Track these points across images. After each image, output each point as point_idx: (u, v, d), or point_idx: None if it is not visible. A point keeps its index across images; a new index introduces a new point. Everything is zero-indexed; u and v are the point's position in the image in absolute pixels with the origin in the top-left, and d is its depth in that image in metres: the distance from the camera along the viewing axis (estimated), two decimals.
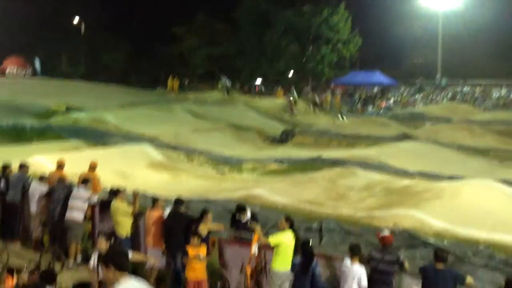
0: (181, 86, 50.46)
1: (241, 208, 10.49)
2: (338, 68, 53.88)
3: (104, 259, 5.27)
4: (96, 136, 25.24)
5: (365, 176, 17.38)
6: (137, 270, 9.82)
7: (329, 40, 52.38)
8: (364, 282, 7.79)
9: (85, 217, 11.50)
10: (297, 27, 52.09)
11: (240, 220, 10.28)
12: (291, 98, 38.59)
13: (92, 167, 13.80)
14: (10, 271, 7.41)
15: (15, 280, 7.13)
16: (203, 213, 9.93)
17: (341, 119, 36.60)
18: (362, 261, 8.04)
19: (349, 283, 7.85)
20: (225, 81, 43.75)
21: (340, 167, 18.46)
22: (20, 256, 11.19)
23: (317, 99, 41.42)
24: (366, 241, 10.85)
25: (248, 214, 10.41)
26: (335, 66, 53.65)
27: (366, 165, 19.04)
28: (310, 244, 8.87)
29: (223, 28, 57.03)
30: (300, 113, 38.23)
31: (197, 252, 8.92)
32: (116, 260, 5.06)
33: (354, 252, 7.99)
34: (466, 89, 46.96)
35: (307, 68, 53.33)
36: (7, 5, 55.75)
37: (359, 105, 45.88)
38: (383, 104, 46.00)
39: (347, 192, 15.78)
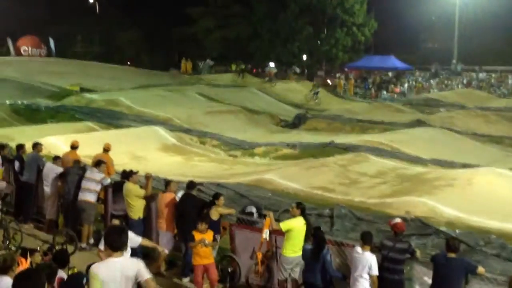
0: (195, 68, 50.40)
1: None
2: (353, 52, 53.34)
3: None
4: (110, 118, 25.37)
5: (377, 163, 17.33)
6: (148, 253, 9.94)
7: (344, 23, 51.79)
8: (375, 270, 7.78)
9: (98, 199, 11.58)
10: (312, 9, 51.54)
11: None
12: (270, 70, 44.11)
13: (106, 149, 13.83)
14: (24, 252, 7.50)
15: (28, 261, 7.21)
16: (215, 197, 9.96)
17: (313, 97, 37.48)
18: (373, 249, 8.03)
19: (359, 271, 7.84)
20: (208, 62, 47.89)
21: (353, 153, 18.41)
22: (33, 237, 11.33)
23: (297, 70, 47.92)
24: (377, 228, 10.84)
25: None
26: (350, 50, 53.09)
27: (378, 151, 18.95)
28: (321, 231, 8.87)
29: (238, 10, 56.56)
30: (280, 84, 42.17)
31: (202, 237, 8.93)
32: (107, 238, 5.15)
33: (366, 239, 7.96)
34: (482, 75, 46.39)
35: (321, 51, 52.86)
36: None
37: (373, 90, 45.57)
38: (397, 89, 45.66)
39: (359, 178, 15.74)
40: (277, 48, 53.00)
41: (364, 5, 51.65)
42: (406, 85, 47.03)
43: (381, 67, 49.99)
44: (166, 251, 9.54)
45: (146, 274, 5.19)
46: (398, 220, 8.48)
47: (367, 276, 7.79)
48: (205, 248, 8.92)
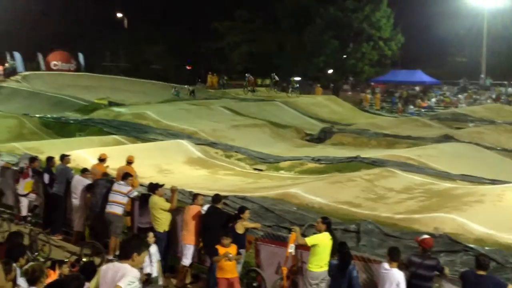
0: (220, 83, 50.72)
1: None
2: (379, 66, 53.09)
3: None
4: (137, 131, 25.63)
5: (404, 178, 17.09)
6: (173, 266, 9.97)
7: (371, 37, 51.62)
8: (403, 287, 7.65)
9: (125, 211, 11.68)
10: (338, 23, 51.50)
11: None
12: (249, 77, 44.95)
13: (129, 162, 13.88)
14: (53, 264, 7.60)
15: (57, 273, 7.30)
16: (241, 210, 9.95)
17: (293, 90, 39.84)
18: (401, 266, 7.90)
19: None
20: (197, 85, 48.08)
21: (379, 168, 18.18)
22: (62, 249, 11.47)
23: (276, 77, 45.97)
24: (405, 244, 10.67)
25: None
26: (376, 64, 52.86)
27: (406, 166, 18.70)
28: (347, 246, 8.77)
29: (264, 24, 56.89)
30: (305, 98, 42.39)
31: (226, 251, 8.93)
32: None
33: (393, 255, 7.84)
34: (511, 89, 45.65)
35: (347, 66, 52.74)
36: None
37: (399, 105, 45.21)
38: (425, 103, 45.22)
39: (386, 193, 15.54)
40: (303, 62, 53.04)
41: (391, 19, 51.46)
42: (433, 99, 46.55)
43: (408, 82, 49.63)
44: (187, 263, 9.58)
45: (120, 283, 5.35)
46: (426, 236, 8.35)
47: None
48: (229, 262, 8.91)
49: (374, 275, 8.30)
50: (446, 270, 7.90)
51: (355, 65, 52.06)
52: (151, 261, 8.63)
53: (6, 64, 45.31)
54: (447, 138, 26.85)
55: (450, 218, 12.65)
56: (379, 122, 33.69)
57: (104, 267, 5.70)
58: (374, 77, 52.48)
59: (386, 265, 7.81)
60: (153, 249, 8.88)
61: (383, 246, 10.69)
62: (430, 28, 50.86)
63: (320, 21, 51.16)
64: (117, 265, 5.48)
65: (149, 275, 8.53)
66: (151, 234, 9.02)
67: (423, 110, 43.43)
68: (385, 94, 49.06)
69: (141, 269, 8.24)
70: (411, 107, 44.27)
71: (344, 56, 53.04)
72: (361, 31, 51.72)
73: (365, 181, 16.43)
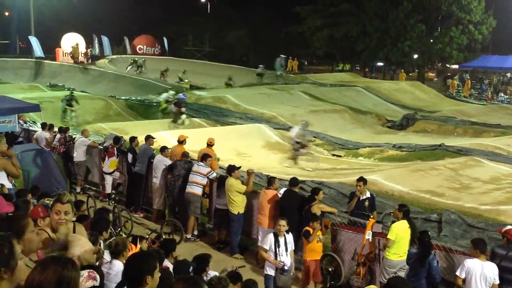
0: (300, 67, 50.39)
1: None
2: (468, 51, 50.66)
3: None
4: (217, 115, 26.00)
5: (492, 168, 16.27)
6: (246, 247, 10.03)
7: (460, 21, 49.31)
8: (497, 279, 7.23)
9: (203, 193, 11.88)
10: (425, 6, 49.54)
11: (359, 196, 10.12)
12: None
13: (210, 144, 14.00)
14: (134, 240, 7.85)
15: (138, 248, 7.53)
16: (315, 192, 9.84)
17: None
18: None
19: (478, 282, 7.28)
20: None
21: (465, 157, 17.41)
22: (143, 226, 11.88)
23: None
24: (489, 236, 10.16)
25: (368, 194, 10.21)
26: (465, 49, 50.48)
27: (494, 155, 17.78)
28: (428, 235, 8.44)
29: (347, 8, 55.69)
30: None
31: (317, 233, 8.95)
32: None
33: (482, 247, 7.41)
34: None
35: (434, 50, 50.70)
36: None
37: (489, 92, 43.01)
38: None
39: (471, 183, 14.84)
40: (386, 47, 51.58)
41: (482, 2, 48.84)
42: None
43: (499, 68, 47.06)
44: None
45: None
46: (510, 226, 7.88)
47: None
48: (320, 244, 9.03)
49: (455, 265, 7.95)
50: None
51: (442, 50, 49.96)
52: (286, 250, 8.55)
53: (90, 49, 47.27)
54: None
55: None
56: (466, 110, 32.18)
57: None
58: (462, 63, 50.19)
59: (475, 259, 7.37)
60: (289, 237, 8.73)
61: (466, 237, 10.26)
62: None
63: (406, 4, 49.40)
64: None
65: (285, 263, 8.51)
66: (283, 222, 8.76)
67: None
68: (474, 81, 46.75)
69: (276, 257, 8.34)
70: (502, 94, 41.98)
71: (431, 41, 50.98)
72: (450, 15, 49.46)
73: (449, 170, 15.77)
